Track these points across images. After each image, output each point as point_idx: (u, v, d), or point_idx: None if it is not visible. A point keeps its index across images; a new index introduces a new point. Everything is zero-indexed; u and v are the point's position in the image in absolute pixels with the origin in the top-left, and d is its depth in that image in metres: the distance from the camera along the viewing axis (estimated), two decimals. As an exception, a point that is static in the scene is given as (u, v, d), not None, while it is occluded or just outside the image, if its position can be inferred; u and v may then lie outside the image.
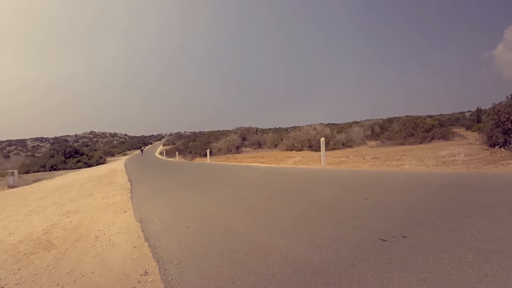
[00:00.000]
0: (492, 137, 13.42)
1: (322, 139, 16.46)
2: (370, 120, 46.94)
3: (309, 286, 3.04)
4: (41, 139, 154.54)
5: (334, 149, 27.72)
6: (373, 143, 31.98)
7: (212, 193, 9.65)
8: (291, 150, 31.19)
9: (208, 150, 35.73)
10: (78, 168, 45.56)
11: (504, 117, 12.98)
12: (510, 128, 12.64)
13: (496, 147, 12.97)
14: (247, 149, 43.41)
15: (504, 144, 12.68)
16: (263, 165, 20.38)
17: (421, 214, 5.15)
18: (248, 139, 46.10)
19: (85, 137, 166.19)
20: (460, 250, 3.53)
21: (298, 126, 40.05)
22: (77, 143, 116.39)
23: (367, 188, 8.41)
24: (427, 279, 2.94)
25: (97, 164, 51.07)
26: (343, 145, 30.08)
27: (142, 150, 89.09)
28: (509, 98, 13.92)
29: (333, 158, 18.30)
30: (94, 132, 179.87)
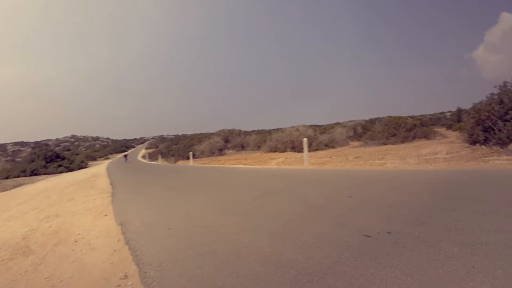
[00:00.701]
0: (473, 135, 13.55)
1: (305, 139, 16.52)
2: (353, 121, 47.31)
3: (293, 284, 2.97)
4: (21, 144, 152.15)
5: (317, 149, 27.74)
6: (356, 143, 32.18)
7: (194, 195, 9.58)
8: (274, 151, 31.12)
9: (191, 153, 35.57)
10: (60, 172, 44.95)
11: (484, 115, 13.12)
12: (490, 126, 12.77)
13: (477, 144, 13.10)
14: (230, 151, 43.36)
15: (485, 141, 12.83)
16: (246, 166, 20.38)
17: (405, 210, 5.14)
18: (231, 141, 46.04)
19: (67, 141, 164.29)
20: (445, 244, 3.51)
21: (281, 128, 40.13)
22: (59, 147, 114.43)
23: (351, 186, 8.41)
24: (413, 273, 2.90)
25: (79, 169, 50.53)
26: (326, 145, 30.15)
27: (126, 156, 62.25)
28: (489, 97, 14.08)
29: (316, 158, 18.32)
30: (75, 136, 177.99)
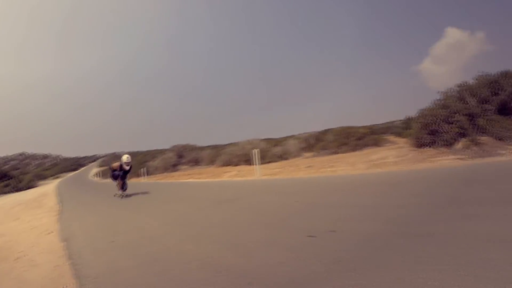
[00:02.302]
0: (420, 139, 14.07)
1: (254, 150, 16.65)
2: (306, 133, 47.86)
3: (232, 287, 2.93)
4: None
5: (271, 162, 27.83)
6: (309, 154, 32.46)
7: (142, 210, 9.36)
8: (228, 165, 31.09)
9: (144, 169, 34.83)
10: (7, 193, 43.06)
11: (429, 120, 13.65)
12: (435, 129, 13.28)
13: (424, 147, 13.59)
14: (184, 166, 42.89)
15: (431, 144, 13.36)
16: (199, 180, 20.26)
17: (352, 209, 5.24)
18: (185, 157, 45.53)
19: (15, 159, 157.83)
20: (391, 237, 3.59)
21: (235, 142, 40.20)
22: (7, 166, 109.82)
23: (299, 192, 8.55)
24: (357, 268, 2.92)
25: (28, 188, 48.51)
26: (280, 157, 30.27)
27: (118, 174, 13.87)
28: (433, 103, 14.71)
29: (269, 169, 18.48)
30: (25, 153, 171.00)
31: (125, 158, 13.44)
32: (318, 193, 7.87)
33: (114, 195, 14.15)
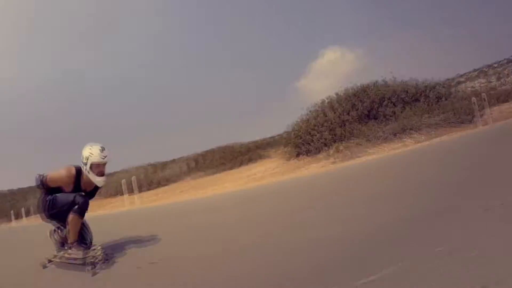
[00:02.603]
0: (296, 149, 14.62)
1: (133, 177, 16.26)
2: (195, 153, 47.61)
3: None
4: None
5: (158, 187, 27.13)
6: (196, 174, 32.41)
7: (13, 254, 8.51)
8: (115, 195, 29.81)
9: (22, 209, 30.40)
10: None
11: (303, 131, 14.31)
12: (307, 139, 13.89)
13: (299, 156, 14.21)
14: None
15: (305, 152, 14.07)
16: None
17: (216, 230, 5.14)
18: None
19: None
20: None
21: (116, 172, 38.88)
22: None
23: (166, 219, 8.51)
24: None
25: None
26: (166, 181, 29.73)
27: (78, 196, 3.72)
28: (304, 116, 15.55)
29: (152, 196, 18.18)
30: None
31: (97, 151, 3.78)
32: (182, 217, 7.94)
33: (44, 265, 3.94)
